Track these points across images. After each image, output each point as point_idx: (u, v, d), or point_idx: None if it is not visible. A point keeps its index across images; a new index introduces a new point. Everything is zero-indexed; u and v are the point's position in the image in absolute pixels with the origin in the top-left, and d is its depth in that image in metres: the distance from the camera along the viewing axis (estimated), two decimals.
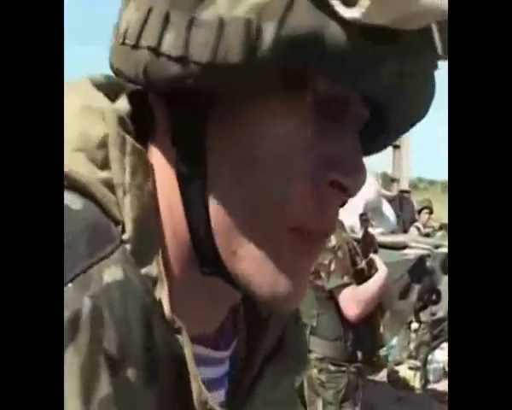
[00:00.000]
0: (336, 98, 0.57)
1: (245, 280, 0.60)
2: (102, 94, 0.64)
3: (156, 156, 0.62)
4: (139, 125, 0.63)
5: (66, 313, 0.52)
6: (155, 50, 0.55)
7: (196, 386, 0.58)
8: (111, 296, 0.54)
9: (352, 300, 3.16)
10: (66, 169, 0.58)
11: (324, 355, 3.28)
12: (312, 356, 3.29)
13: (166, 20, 0.54)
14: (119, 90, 0.64)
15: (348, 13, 0.51)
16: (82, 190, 0.58)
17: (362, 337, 3.33)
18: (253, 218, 0.58)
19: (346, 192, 0.59)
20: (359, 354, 3.31)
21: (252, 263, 0.59)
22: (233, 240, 0.59)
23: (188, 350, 0.58)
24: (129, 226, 0.57)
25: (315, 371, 3.30)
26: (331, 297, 3.23)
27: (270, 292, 0.60)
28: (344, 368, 3.28)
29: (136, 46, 0.56)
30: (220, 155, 0.58)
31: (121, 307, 0.55)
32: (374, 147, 0.67)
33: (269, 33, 0.51)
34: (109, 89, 0.64)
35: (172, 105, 0.59)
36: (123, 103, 0.63)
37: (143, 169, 0.60)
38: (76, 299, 0.53)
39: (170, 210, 0.61)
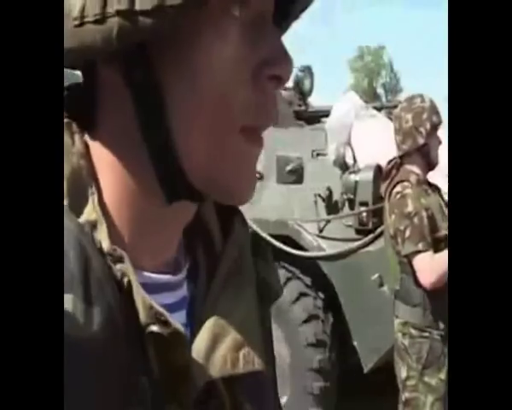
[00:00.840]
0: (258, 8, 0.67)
1: (208, 186, 0.69)
2: None
3: (105, 113, 0.69)
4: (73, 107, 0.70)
5: None
6: (128, 12, 0.60)
7: (139, 297, 0.64)
8: None
9: (427, 267, 3.14)
10: None
11: (405, 320, 3.31)
12: (396, 320, 3.35)
13: None
14: None
15: None
16: None
17: (444, 307, 3.24)
18: (209, 126, 0.66)
19: (281, 81, 0.68)
20: (441, 324, 3.27)
21: (213, 167, 0.68)
22: (194, 150, 0.67)
23: (131, 274, 0.65)
24: (64, 187, 0.66)
25: (399, 335, 3.32)
26: (410, 263, 3.23)
27: (229, 191, 0.70)
28: (426, 334, 3.27)
29: (101, 20, 0.61)
30: (174, 82, 0.65)
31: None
32: (288, 22, 0.77)
33: None
34: None
35: (124, 63, 0.65)
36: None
37: (69, 138, 0.69)
38: None
39: (130, 156, 0.68)
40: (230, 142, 0.67)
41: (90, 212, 0.66)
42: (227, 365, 0.71)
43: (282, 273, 4.56)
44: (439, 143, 3.34)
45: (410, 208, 3.18)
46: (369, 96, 48.87)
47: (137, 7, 0.60)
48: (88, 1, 0.61)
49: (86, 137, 0.70)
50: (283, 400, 4.36)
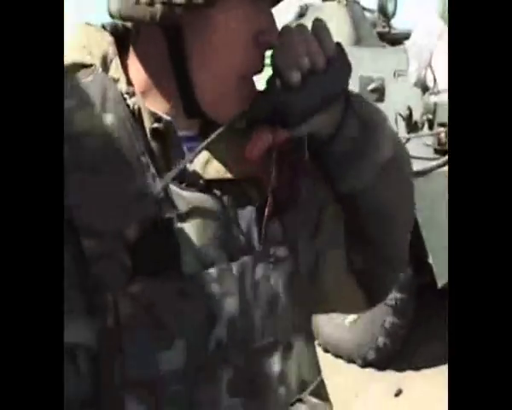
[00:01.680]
0: None
1: (211, 113, 1.00)
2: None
3: (148, 58, 1.00)
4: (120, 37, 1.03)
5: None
6: (168, 3, 0.90)
7: (146, 111, 0.96)
8: (82, 85, 0.95)
9: None
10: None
11: None
12: None
13: None
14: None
15: None
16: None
17: None
18: (217, 72, 0.97)
19: (270, 44, 0.98)
20: None
21: (216, 100, 0.99)
22: (207, 91, 0.98)
23: (141, 102, 0.96)
24: (96, 62, 0.99)
25: None
26: None
27: (218, 115, 1.00)
28: None
29: (151, 3, 0.91)
30: (198, 46, 0.96)
31: (84, 87, 0.95)
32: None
33: None
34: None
35: (164, 30, 0.96)
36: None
37: (101, 36, 1.02)
38: None
39: (163, 83, 0.99)
40: (228, 83, 0.98)
41: (114, 72, 0.99)
42: (220, 170, 1.00)
43: None
44: None
45: None
46: None
47: (174, 0, 0.90)
48: None
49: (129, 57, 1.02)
50: None
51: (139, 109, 0.96)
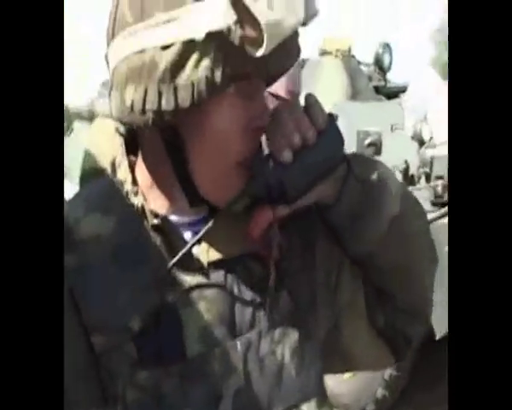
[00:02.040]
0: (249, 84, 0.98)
1: (214, 200, 1.02)
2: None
3: (148, 151, 1.05)
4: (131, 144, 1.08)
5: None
6: (157, 111, 0.93)
7: (149, 210, 1.01)
8: (87, 188, 1.08)
9: None
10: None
11: None
12: None
13: (160, 93, 0.92)
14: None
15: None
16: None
17: None
18: (213, 161, 0.99)
19: (264, 128, 1.00)
20: None
21: (214, 189, 1.01)
22: (207, 180, 1.01)
23: (144, 201, 1.01)
24: (106, 164, 1.07)
25: None
26: None
27: (216, 200, 1.02)
28: None
29: (142, 112, 0.94)
30: (193, 143, 0.99)
31: (89, 189, 1.07)
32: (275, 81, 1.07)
33: (217, 77, 0.92)
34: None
35: (160, 132, 1.00)
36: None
37: (115, 139, 1.08)
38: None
39: (165, 179, 1.03)
40: (226, 171, 1.00)
41: (122, 174, 1.05)
42: (224, 250, 1.03)
43: None
44: None
45: None
46: None
47: (163, 108, 0.93)
48: (136, 100, 0.94)
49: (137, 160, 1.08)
50: None
51: (142, 207, 1.01)
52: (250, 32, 0.91)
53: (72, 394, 0.93)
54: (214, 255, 1.02)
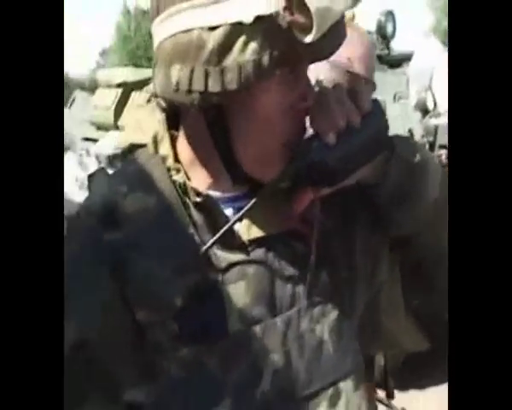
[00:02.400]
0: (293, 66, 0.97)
1: (259, 178, 1.01)
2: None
3: (193, 137, 1.04)
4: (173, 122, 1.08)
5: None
6: (204, 91, 0.93)
7: (191, 188, 1.00)
8: (129, 163, 1.06)
9: None
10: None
11: None
12: None
13: (207, 74, 0.92)
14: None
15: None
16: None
17: None
18: (261, 148, 0.99)
19: (309, 108, 1.00)
20: None
21: (260, 166, 1.01)
22: (252, 162, 1.00)
23: (185, 178, 1.01)
24: (148, 141, 1.07)
25: None
26: None
27: (268, 179, 1.01)
28: None
29: (188, 92, 0.94)
30: (238, 123, 0.98)
31: (134, 166, 1.05)
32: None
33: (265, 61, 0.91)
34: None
35: (204, 111, 1.00)
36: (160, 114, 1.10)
37: (155, 116, 1.08)
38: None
39: (207, 156, 1.03)
40: (272, 152, 1.00)
41: (163, 150, 1.05)
42: (263, 228, 1.03)
43: None
44: None
45: None
46: None
47: (209, 89, 0.92)
48: (182, 79, 0.94)
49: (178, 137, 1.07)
50: None
51: (184, 184, 1.01)
52: (299, 18, 0.90)
53: (118, 367, 0.96)
54: (255, 233, 1.02)
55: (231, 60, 0.91)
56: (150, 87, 1.06)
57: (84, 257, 0.99)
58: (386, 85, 4.85)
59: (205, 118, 1.00)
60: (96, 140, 5.83)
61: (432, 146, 4.58)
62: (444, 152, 4.44)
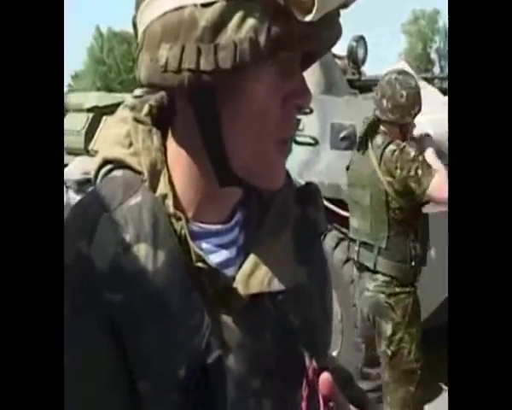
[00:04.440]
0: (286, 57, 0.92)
1: (252, 180, 0.98)
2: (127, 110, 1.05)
3: (179, 125, 0.99)
4: (155, 117, 1.03)
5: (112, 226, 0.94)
6: (195, 70, 0.88)
7: (190, 244, 0.95)
8: (133, 209, 0.95)
9: (444, 184, 3.35)
10: (109, 157, 1.01)
11: (391, 275, 3.59)
12: (380, 279, 3.62)
13: (199, 51, 0.87)
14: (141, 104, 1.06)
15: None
16: (120, 164, 1.00)
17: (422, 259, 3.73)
18: (251, 139, 0.95)
19: (302, 108, 0.97)
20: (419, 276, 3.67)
21: (253, 166, 0.97)
22: (239, 155, 0.96)
23: (186, 229, 0.95)
24: (145, 172, 0.98)
25: (382, 295, 3.61)
26: (402, 220, 3.54)
27: (264, 183, 0.99)
28: (408, 289, 3.61)
29: (177, 71, 0.89)
30: (229, 111, 0.93)
31: (137, 212, 0.95)
32: (310, 64, 1.02)
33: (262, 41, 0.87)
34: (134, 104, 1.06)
35: (193, 96, 0.94)
36: (144, 110, 1.04)
37: (150, 139, 1.00)
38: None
39: (195, 155, 0.98)
40: (266, 149, 0.96)
41: (162, 188, 0.97)
42: (264, 283, 0.99)
43: (335, 234, 4.81)
44: (414, 127, 3.65)
45: (412, 153, 3.44)
46: (423, 61, 48.28)
47: (201, 67, 0.87)
48: (170, 58, 0.89)
49: (168, 137, 1.01)
50: (334, 353, 4.56)
51: (185, 236, 0.96)
52: None
53: None
54: (255, 286, 0.99)
55: (226, 37, 0.87)
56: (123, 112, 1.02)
57: (83, 314, 0.90)
58: (357, 110, 4.87)
59: (194, 107, 0.95)
60: (65, 165, 5.79)
61: None
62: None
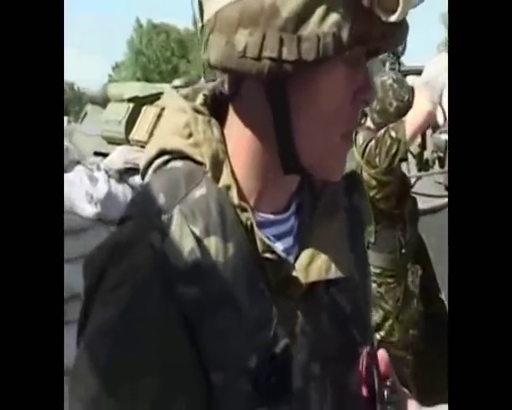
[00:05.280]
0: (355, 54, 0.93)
1: (314, 170, 1.01)
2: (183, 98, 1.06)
3: (243, 111, 1.00)
4: (210, 107, 1.04)
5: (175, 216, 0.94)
6: (276, 59, 0.88)
7: (257, 235, 0.97)
8: (199, 202, 0.95)
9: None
10: (168, 147, 1.01)
11: (381, 267, 3.67)
12: (371, 271, 3.61)
13: (281, 41, 0.88)
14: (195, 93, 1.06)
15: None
16: (180, 154, 1.00)
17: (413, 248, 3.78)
18: (319, 132, 0.97)
19: (368, 103, 1.00)
20: (410, 265, 3.77)
21: (318, 158, 0.99)
22: (307, 145, 0.97)
23: (252, 219, 0.97)
24: (207, 163, 0.98)
25: (374, 285, 3.67)
26: (389, 211, 3.63)
27: (327, 175, 1.02)
28: (398, 278, 3.72)
29: (257, 59, 0.89)
30: (302, 101, 0.94)
31: (204, 204, 0.95)
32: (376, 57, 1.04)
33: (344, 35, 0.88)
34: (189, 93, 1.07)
35: (269, 84, 0.94)
36: (198, 99, 1.05)
37: (210, 129, 1.00)
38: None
39: (262, 142, 0.99)
40: (332, 141, 0.98)
41: (225, 179, 0.98)
42: (322, 271, 1.01)
43: None
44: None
45: (389, 141, 3.53)
46: None
47: (284, 57, 0.89)
48: (250, 44, 0.90)
49: (225, 126, 1.02)
50: None
51: (251, 227, 0.97)
52: None
53: None
54: (313, 274, 1.01)
55: (309, 29, 0.88)
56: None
57: (160, 312, 0.90)
58: None
59: (268, 95, 0.95)
60: (106, 154, 5.85)
61: (441, 161, 4.56)
62: None
